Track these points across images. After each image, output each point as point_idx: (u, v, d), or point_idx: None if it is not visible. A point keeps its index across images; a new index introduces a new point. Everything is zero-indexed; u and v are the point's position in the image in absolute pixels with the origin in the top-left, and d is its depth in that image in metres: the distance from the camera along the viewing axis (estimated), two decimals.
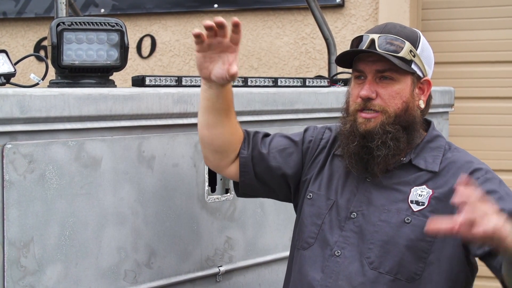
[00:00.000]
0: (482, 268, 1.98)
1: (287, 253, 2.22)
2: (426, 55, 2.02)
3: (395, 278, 1.90)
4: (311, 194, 2.07)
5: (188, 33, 5.19)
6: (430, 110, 3.14)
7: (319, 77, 2.93)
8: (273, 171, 2.12)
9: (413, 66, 1.98)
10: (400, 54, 1.95)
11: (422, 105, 2.01)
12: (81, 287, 2.01)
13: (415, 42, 1.99)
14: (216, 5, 5.09)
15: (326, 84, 2.80)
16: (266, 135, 2.19)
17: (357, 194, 2.00)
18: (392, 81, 1.96)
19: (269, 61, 4.98)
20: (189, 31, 5.19)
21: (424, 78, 2.01)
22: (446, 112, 3.26)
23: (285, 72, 4.94)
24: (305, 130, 2.19)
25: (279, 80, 2.64)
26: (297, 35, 4.93)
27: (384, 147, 1.94)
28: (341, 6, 4.81)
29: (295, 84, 2.69)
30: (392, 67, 1.95)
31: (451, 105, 3.28)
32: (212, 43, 1.96)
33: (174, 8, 5.19)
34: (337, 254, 1.96)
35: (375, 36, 1.96)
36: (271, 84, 2.63)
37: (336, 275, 1.94)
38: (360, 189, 2.00)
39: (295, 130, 2.60)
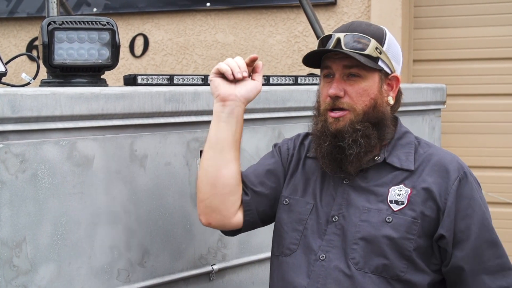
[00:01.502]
0: None
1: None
2: (393, 51, 2.02)
3: (381, 276, 1.91)
4: (287, 200, 2.06)
5: (181, 32, 5.19)
6: (422, 107, 3.17)
7: (311, 75, 2.93)
8: (270, 199, 2.11)
9: (379, 63, 1.98)
10: (366, 52, 1.96)
11: (391, 101, 2.02)
12: (74, 286, 2.00)
13: (381, 40, 1.99)
14: (208, 4, 5.09)
15: (318, 82, 2.80)
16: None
17: (336, 198, 1.99)
18: (359, 78, 1.97)
19: (261, 59, 4.98)
20: (181, 29, 5.19)
21: (392, 74, 2.02)
22: (439, 109, 3.27)
23: (277, 70, 4.95)
24: (274, 145, 2.18)
25: (271, 78, 2.65)
26: (290, 33, 4.94)
27: (355, 145, 1.95)
28: (333, 4, 4.81)
29: (287, 82, 2.70)
30: (359, 64, 1.95)
31: (443, 102, 3.29)
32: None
33: (167, 7, 5.19)
34: (321, 258, 1.95)
35: (341, 35, 1.97)
36: (263, 82, 2.62)
37: (323, 279, 1.94)
38: (339, 192, 2.00)
39: (287, 128, 2.61)
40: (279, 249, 2.05)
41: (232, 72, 2.04)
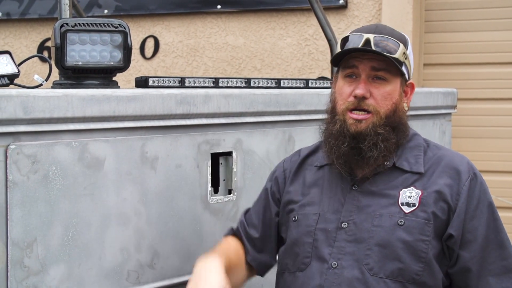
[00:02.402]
0: None
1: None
2: (411, 58, 2.03)
3: (397, 281, 1.90)
4: (296, 217, 2.05)
5: (192, 34, 5.20)
6: (433, 112, 3.17)
7: (322, 78, 2.93)
8: (270, 234, 2.14)
9: (403, 68, 1.98)
10: (395, 56, 1.95)
11: (406, 108, 2.02)
12: (84, 287, 2.01)
13: (406, 45, 1.99)
14: (219, 6, 5.09)
15: (329, 85, 2.80)
16: (246, 213, 2.19)
17: (345, 204, 1.98)
18: (384, 81, 1.96)
19: (272, 62, 4.98)
20: (192, 32, 5.19)
21: (409, 81, 2.02)
22: (449, 114, 3.26)
23: (288, 73, 4.95)
24: (273, 172, 2.19)
25: (282, 81, 2.65)
26: (300, 36, 4.94)
27: (375, 149, 1.94)
28: (344, 7, 4.81)
29: (298, 85, 2.70)
30: (386, 67, 1.94)
31: (454, 107, 3.28)
32: None
33: (177, 9, 5.19)
34: (334, 266, 1.93)
35: (370, 36, 1.95)
36: (274, 85, 2.63)
37: (337, 286, 1.92)
38: (348, 198, 1.98)
39: (297, 131, 2.60)
40: (295, 265, 2.02)
41: None
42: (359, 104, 1.95)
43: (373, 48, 1.93)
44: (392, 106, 1.96)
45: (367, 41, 1.94)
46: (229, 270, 1.98)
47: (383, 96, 1.95)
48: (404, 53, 1.96)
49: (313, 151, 2.14)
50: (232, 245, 2.13)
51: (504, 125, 4.68)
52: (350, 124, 1.95)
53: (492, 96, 4.70)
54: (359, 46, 1.94)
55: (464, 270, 1.94)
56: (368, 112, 1.95)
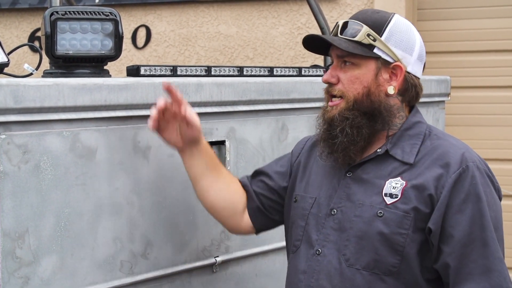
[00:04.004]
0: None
1: (283, 243, 2.21)
2: (398, 39, 1.95)
3: (373, 273, 1.87)
4: (296, 198, 2.07)
5: (184, 23, 5.17)
6: (426, 99, 3.16)
7: (315, 66, 2.92)
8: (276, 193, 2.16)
9: (376, 50, 1.94)
10: (355, 38, 1.93)
11: (391, 91, 1.94)
12: (77, 278, 2.00)
13: (380, 27, 1.94)
14: None
15: (321, 73, 2.78)
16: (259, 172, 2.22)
17: (338, 190, 1.97)
18: (352, 65, 1.95)
19: (264, 51, 4.96)
20: (184, 21, 5.17)
21: (395, 63, 1.95)
22: (443, 101, 3.25)
23: (280, 61, 4.94)
24: (292, 151, 2.22)
25: (274, 70, 2.63)
26: (293, 25, 4.92)
27: (341, 135, 1.93)
28: None
29: (290, 73, 2.68)
30: (350, 53, 1.93)
31: (448, 94, 3.27)
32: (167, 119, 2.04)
33: None
34: (318, 253, 1.94)
35: (341, 22, 1.99)
36: (266, 73, 2.61)
37: (317, 274, 1.92)
38: (341, 185, 1.98)
39: (290, 120, 2.59)
40: (289, 247, 2.06)
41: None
42: (329, 90, 1.98)
43: (339, 34, 1.96)
44: (363, 89, 1.93)
45: (337, 28, 1.98)
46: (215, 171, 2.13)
47: (349, 80, 1.94)
48: (368, 35, 1.93)
49: None
50: (236, 183, 2.18)
51: (497, 113, 4.69)
52: (327, 110, 1.98)
53: (485, 84, 4.70)
54: (332, 34, 1.99)
55: (444, 265, 1.87)
56: (340, 98, 1.96)
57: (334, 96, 1.97)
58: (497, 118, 4.68)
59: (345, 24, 1.97)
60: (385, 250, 1.87)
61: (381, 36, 1.94)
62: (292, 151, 2.22)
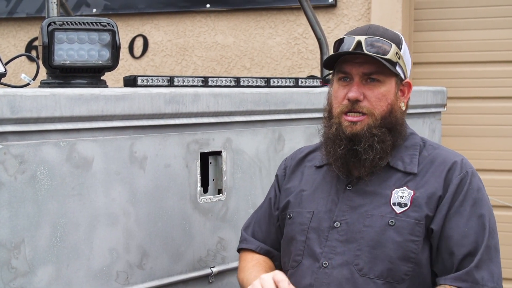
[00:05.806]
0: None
1: (279, 254, 2.21)
2: (407, 57, 2.02)
3: (386, 281, 1.90)
4: (291, 214, 2.06)
5: (181, 33, 5.18)
6: (423, 110, 3.16)
7: (312, 77, 2.92)
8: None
9: (397, 68, 1.97)
10: (387, 56, 1.94)
11: (403, 107, 2.01)
12: None
13: (399, 44, 1.98)
14: (208, 5, 5.08)
15: (318, 84, 2.79)
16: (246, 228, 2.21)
17: (338, 204, 1.98)
18: (378, 83, 1.95)
19: (261, 61, 4.97)
20: (181, 31, 5.18)
21: (406, 80, 2.02)
22: (439, 112, 3.26)
23: (277, 72, 4.94)
24: (277, 171, 2.21)
25: (271, 80, 2.64)
26: (290, 35, 4.93)
27: (371, 150, 1.94)
28: (333, 6, 4.80)
29: (287, 84, 2.69)
30: (379, 70, 1.94)
31: (444, 105, 3.28)
32: None
33: (166, 8, 5.17)
34: (324, 266, 1.94)
35: (362, 38, 1.95)
36: (263, 84, 2.62)
37: (326, 286, 1.92)
38: (341, 198, 1.99)
39: (287, 130, 2.60)
40: (289, 264, 2.04)
41: None
42: (353, 107, 1.95)
43: (364, 50, 1.93)
44: (388, 107, 1.96)
45: (359, 44, 1.94)
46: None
47: (377, 97, 1.95)
48: (396, 53, 1.96)
49: (314, 149, 2.15)
50: (258, 257, 2.15)
51: (493, 123, 4.70)
52: (345, 126, 1.95)
53: (482, 94, 4.71)
54: (350, 49, 1.94)
55: (443, 266, 1.92)
56: (363, 114, 1.95)
57: (351, 112, 1.95)
58: (494, 129, 4.69)
59: (367, 41, 1.94)
60: (398, 258, 1.90)
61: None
62: (276, 175, 2.19)
